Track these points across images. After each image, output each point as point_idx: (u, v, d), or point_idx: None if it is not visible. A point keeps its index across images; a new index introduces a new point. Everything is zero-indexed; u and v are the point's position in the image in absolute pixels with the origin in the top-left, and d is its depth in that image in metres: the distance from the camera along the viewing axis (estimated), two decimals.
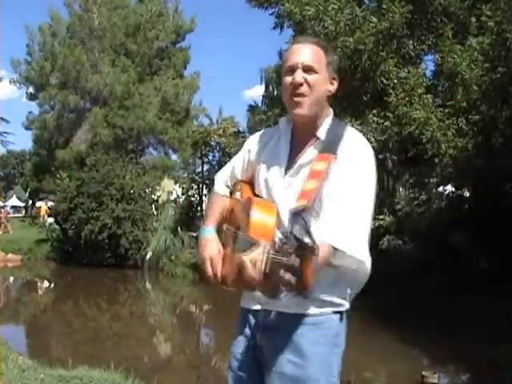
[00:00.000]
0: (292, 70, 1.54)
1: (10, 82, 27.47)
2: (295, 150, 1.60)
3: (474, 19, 11.10)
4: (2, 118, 35.32)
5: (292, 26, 12.13)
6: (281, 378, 1.53)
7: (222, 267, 1.55)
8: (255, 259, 1.20)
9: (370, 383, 6.25)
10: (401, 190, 12.61)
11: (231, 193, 1.79)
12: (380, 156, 10.91)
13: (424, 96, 10.66)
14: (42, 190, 30.00)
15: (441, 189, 13.45)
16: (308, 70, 1.53)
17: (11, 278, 16.58)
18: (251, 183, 1.71)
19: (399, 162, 11.58)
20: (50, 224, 20.82)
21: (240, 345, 1.64)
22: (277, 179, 1.58)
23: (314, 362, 1.52)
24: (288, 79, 1.54)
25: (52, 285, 15.67)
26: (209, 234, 1.69)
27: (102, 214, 16.55)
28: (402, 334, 7.47)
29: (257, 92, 61.21)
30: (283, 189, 1.56)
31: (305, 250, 1.14)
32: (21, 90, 54.63)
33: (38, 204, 29.84)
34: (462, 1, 11.22)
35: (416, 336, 7.25)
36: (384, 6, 10.68)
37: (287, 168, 1.58)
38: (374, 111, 11.26)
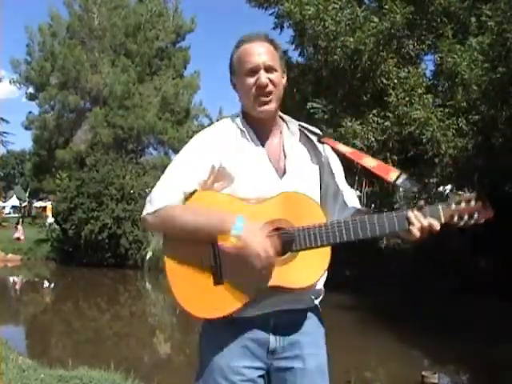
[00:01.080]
0: (254, 71, 1.55)
1: (10, 82, 27.43)
2: (262, 143, 1.60)
3: (474, 19, 11.11)
4: (2, 118, 35.43)
5: (292, 26, 12.12)
6: (304, 373, 1.53)
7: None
8: (431, 219, 1.45)
9: (369, 383, 6.24)
10: (401, 190, 12.60)
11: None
12: (380, 156, 10.91)
13: (424, 96, 10.67)
14: (42, 190, 29.99)
15: (441, 189, 13.45)
16: (269, 69, 1.56)
17: (11, 278, 16.57)
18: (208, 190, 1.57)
19: (399, 161, 11.57)
20: (50, 224, 20.82)
21: (242, 357, 1.52)
22: (272, 177, 1.55)
23: (324, 350, 1.61)
24: (251, 80, 1.55)
25: (52, 285, 15.66)
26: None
27: (102, 214, 16.55)
28: (401, 334, 7.46)
29: None
30: (298, 178, 1.56)
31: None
32: (21, 90, 54.84)
33: (40, 204, 29.80)
34: (462, 1, 11.22)
35: (416, 336, 7.24)
36: (386, 7, 10.68)
37: (277, 163, 1.58)
38: (374, 111, 11.25)
